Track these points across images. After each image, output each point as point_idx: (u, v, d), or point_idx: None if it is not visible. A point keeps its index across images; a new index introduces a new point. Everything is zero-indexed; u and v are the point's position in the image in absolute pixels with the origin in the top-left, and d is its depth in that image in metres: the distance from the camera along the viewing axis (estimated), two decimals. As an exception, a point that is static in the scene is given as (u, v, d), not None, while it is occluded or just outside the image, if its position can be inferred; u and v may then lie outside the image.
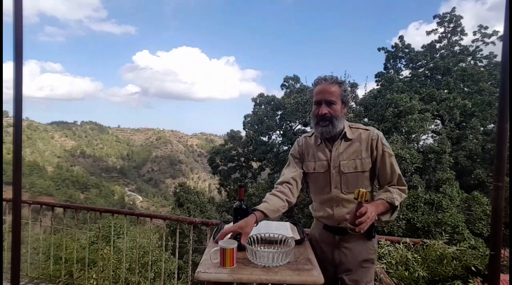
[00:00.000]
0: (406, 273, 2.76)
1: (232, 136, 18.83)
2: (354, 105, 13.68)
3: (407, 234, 8.98)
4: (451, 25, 16.18)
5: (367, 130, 1.54)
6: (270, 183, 13.61)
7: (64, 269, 3.48)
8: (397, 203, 1.44)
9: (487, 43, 15.80)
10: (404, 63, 17.21)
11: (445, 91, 14.39)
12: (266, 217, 1.39)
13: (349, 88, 1.45)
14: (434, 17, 16.64)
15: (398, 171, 1.52)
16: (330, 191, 1.53)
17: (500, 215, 1.59)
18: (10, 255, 1.73)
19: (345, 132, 1.53)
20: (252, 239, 1.25)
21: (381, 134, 1.54)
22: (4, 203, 3.32)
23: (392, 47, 17.35)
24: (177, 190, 16.52)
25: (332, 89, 1.49)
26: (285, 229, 1.57)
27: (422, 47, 17.02)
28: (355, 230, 1.25)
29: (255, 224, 1.33)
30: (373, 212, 1.30)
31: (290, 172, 1.63)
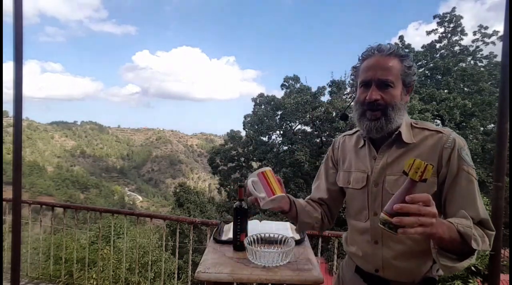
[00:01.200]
0: (406, 273, 2.76)
1: (232, 136, 18.85)
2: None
3: (407, 234, 8.96)
4: (451, 25, 16.18)
5: (438, 132, 1.00)
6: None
7: (64, 269, 3.48)
8: (474, 245, 0.82)
9: (487, 43, 15.80)
10: (404, 63, 17.18)
11: (445, 91, 14.40)
12: (290, 212, 1.17)
13: (415, 65, 1.06)
14: (434, 17, 16.64)
15: (481, 206, 0.93)
16: (368, 217, 1.09)
17: (500, 215, 1.60)
18: (10, 255, 1.74)
19: (399, 132, 1.03)
20: (252, 239, 1.25)
21: (462, 141, 0.98)
22: (4, 203, 3.32)
23: (392, 47, 17.33)
24: (177, 190, 16.55)
25: (389, 64, 1.01)
26: (285, 229, 1.56)
27: (422, 47, 17.02)
28: (391, 223, 0.73)
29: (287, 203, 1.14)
30: (433, 215, 0.73)
31: (318, 189, 1.28)
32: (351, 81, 14.53)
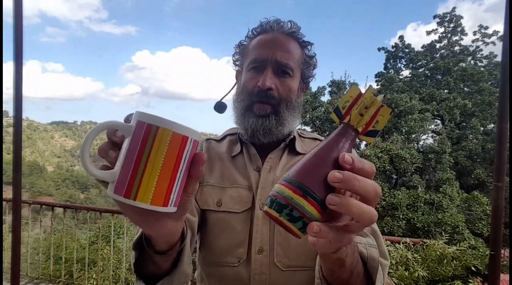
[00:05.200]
0: (406, 273, 2.76)
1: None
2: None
3: (407, 234, 8.98)
4: (451, 25, 16.18)
5: None
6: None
7: (64, 269, 3.48)
8: (372, 267, 0.53)
9: (487, 43, 15.81)
10: (404, 63, 17.20)
11: (445, 91, 14.40)
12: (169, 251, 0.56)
13: (316, 58, 0.85)
14: (434, 17, 16.65)
15: (379, 232, 0.69)
16: (245, 257, 0.72)
17: (500, 215, 1.60)
18: (10, 255, 1.74)
19: (293, 138, 0.82)
20: None
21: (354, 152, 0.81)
22: (4, 203, 3.32)
23: (392, 47, 17.35)
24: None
25: (290, 46, 0.78)
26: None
27: (422, 47, 17.02)
28: (299, 207, 0.34)
29: None
30: (378, 189, 0.35)
31: None
32: (351, 81, 14.51)
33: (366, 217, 0.33)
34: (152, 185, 0.36)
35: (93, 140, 0.37)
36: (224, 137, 0.89)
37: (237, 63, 0.87)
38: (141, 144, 0.36)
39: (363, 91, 0.39)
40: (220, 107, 0.88)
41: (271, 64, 0.75)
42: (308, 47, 0.82)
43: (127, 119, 0.40)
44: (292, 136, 0.82)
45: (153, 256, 0.51)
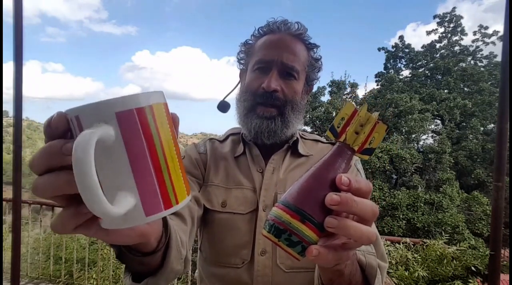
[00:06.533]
0: (406, 273, 2.76)
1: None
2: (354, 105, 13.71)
3: (407, 234, 8.99)
4: (451, 25, 16.19)
5: (333, 145, 0.53)
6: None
7: (64, 269, 3.48)
8: (370, 274, 0.54)
9: (487, 43, 15.82)
10: (404, 63, 17.21)
11: (445, 91, 14.41)
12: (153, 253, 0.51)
13: (321, 61, 0.85)
14: (434, 17, 16.66)
15: (378, 234, 0.67)
16: (250, 259, 0.72)
17: (500, 215, 1.60)
18: (10, 255, 1.74)
19: (296, 140, 0.82)
20: None
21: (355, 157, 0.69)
22: (4, 203, 3.32)
23: (392, 47, 17.36)
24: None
25: (296, 48, 0.77)
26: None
27: (422, 47, 17.02)
28: (296, 231, 0.34)
29: None
30: (375, 209, 0.36)
31: None
32: (351, 81, 14.51)
33: (364, 238, 0.34)
34: (180, 175, 0.29)
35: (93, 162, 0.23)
36: (226, 137, 0.87)
37: (241, 61, 0.86)
38: (146, 137, 0.26)
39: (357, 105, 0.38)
40: (223, 106, 0.87)
41: (276, 66, 0.74)
42: (314, 49, 0.82)
43: (48, 124, 0.27)
44: (295, 138, 0.82)
45: (133, 258, 0.45)
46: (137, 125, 0.26)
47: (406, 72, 17.19)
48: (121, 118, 0.25)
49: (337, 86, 15.34)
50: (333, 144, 0.60)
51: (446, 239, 3.24)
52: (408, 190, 10.33)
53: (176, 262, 0.51)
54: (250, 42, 0.83)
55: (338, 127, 0.39)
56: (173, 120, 0.32)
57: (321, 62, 0.84)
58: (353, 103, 0.33)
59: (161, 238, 0.46)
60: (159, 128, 0.27)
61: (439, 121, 14.26)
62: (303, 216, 0.33)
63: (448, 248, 2.94)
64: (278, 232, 0.34)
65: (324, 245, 0.35)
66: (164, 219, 0.47)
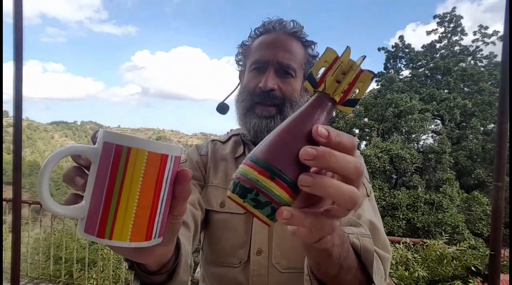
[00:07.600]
0: (406, 273, 2.76)
1: (232, 136, 18.84)
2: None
3: (407, 234, 8.99)
4: (451, 25, 16.19)
5: None
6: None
7: (64, 269, 3.48)
8: (376, 277, 0.47)
9: (487, 43, 15.82)
10: (404, 63, 17.20)
11: (445, 91, 14.40)
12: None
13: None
14: (434, 17, 16.66)
15: (379, 224, 0.63)
16: (246, 259, 0.73)
17: (500, 215, 1.60)
18: (10, 255, 1.74)
19: None
20: None
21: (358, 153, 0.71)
22: (4, 203, 3.32)
23: (392, 47, 17.36)
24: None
25: (292, 47, 0.78)
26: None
27: (422, 47, 17.02)
28: (265, 190, 0.29)
29: None
30: (359, 166, 0.30)
31: None
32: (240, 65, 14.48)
33: (346, 198, 0.28)
34: (130, 219, 0.30)
35: (52, 170, 0.30)
36: (229, 138, 0.88)
37: (240, 63, 0.87)
38: (111, 171, 0.30)
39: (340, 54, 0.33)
40: (222, 108, 0.88)
41: (273, 65, 0.75)
42: (312, 46, 0.82)
43: (94, 136, 0.33)
44: None
45: (145, 276, 0.46)
46: (110, 157, 0.30)
47: (406, 72, 17.20)
48: (105, 147, 0.30)
49: (337, 86, 15.33)
50: None
51: (446, 239, 3.24)
52: (408, 190, 10.34)
53: (184, 274, 0.52)
54: (247, 43, 0.84)
55: (317, 75, 0.33)
56: (180, 176, 0.33)
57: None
58: (335, 50, 0.33)
59: (169, 260, 0.46)
60: (127, 170, 0.30)
61: (439, 121, 14.26)
62: (272, 173, 0.28)
63: (448, 248, 2.94)
64: (243, 191, 0.29)
65: (300, 209, 0.30)
66: (177, 240, 0.48)
